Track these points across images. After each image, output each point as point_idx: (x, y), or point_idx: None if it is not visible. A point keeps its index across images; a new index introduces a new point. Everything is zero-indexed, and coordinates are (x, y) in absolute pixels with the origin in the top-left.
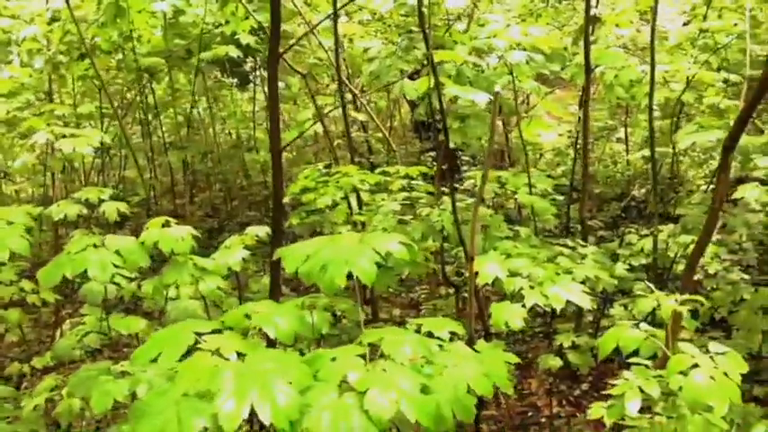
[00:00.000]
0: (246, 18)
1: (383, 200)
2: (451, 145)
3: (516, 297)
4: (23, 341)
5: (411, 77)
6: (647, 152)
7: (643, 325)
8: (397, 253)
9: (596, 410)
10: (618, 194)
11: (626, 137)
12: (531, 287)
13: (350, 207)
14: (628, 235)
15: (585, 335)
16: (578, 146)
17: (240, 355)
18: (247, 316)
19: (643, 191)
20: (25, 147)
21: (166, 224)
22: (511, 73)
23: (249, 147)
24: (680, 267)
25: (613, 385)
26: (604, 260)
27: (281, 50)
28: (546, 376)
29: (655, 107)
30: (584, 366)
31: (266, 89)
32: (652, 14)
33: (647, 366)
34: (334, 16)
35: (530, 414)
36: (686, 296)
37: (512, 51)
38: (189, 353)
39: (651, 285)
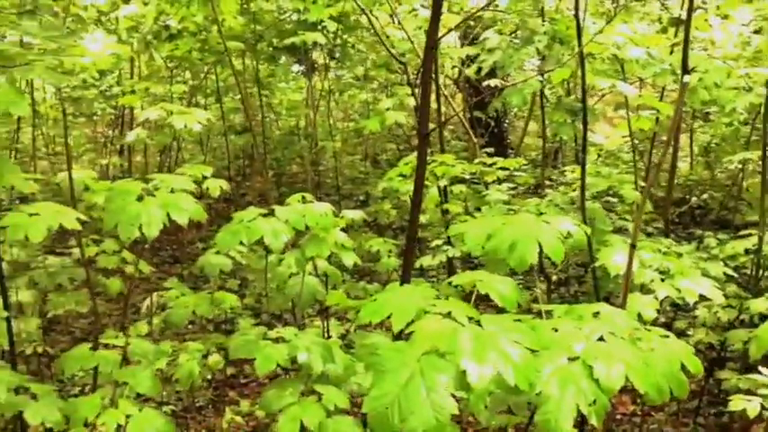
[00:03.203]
0: (329, 6)
1: (461, 191)
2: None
3: (646, 289)
4: (94, 313)
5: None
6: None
7: None
8: (575, 234)
9: (736, 403)
10: (677, 200)
11: (690, 142)
12: (662, 279)
13: (440, 195)
14: (707, 239)
15: None
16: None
17: (470, 318)
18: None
19: (705, 196)
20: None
21: (303, 200)
22: (621, 68)
23: (306, 134)
24: None
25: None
26: (698, 261)
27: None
28: None
29: (741, 112)
30: None
31: (328, 76)
32: None
33: None
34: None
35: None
36: None
37: (628, 46)
38: None
39: None
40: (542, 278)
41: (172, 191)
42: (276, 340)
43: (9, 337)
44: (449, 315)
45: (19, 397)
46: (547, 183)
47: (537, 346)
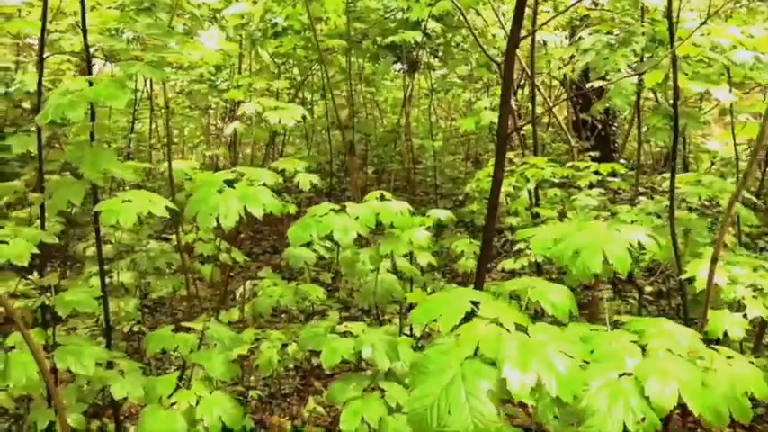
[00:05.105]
0: (430, 5)
1: (555, 194)
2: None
3: (736, 306)
4: (195, 297)
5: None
6: None
7: None
8: (647, 245)
9: None
10: None
11: None
12: (754, 297)
13: (531, 198)
14: None
15: (764, 357)
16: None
17: (517, 326)
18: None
19: None
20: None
21: (381, 198)
22: (728, 71)
23: (404, 132)
24: None
25: None
26: None
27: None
28: None
29: None
30: None
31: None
32: None
33: None
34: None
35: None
36: None
37: (735, 50)
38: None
39: None
40: (634, 288)
41: (264, 184)
42: (344, 334)
43: (105, 316)
44: (496, 320)
45: (109, 372)
46: (644, 189)
47: (589, 358)
